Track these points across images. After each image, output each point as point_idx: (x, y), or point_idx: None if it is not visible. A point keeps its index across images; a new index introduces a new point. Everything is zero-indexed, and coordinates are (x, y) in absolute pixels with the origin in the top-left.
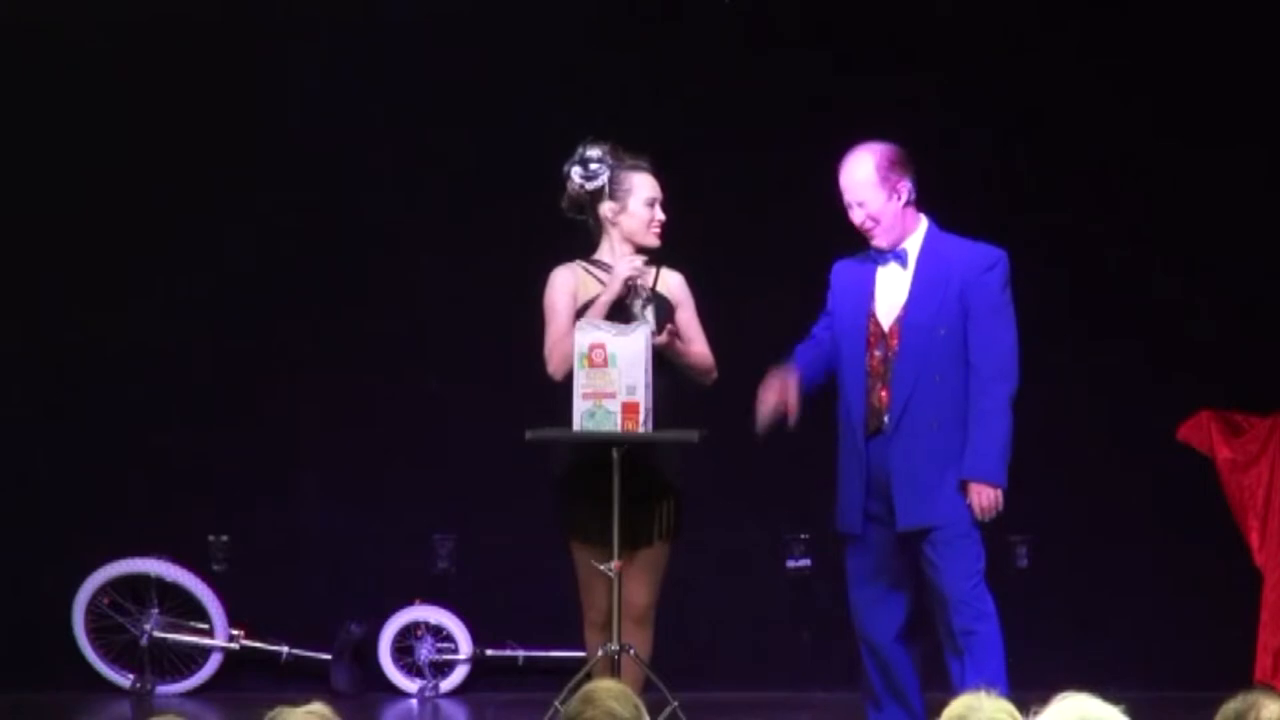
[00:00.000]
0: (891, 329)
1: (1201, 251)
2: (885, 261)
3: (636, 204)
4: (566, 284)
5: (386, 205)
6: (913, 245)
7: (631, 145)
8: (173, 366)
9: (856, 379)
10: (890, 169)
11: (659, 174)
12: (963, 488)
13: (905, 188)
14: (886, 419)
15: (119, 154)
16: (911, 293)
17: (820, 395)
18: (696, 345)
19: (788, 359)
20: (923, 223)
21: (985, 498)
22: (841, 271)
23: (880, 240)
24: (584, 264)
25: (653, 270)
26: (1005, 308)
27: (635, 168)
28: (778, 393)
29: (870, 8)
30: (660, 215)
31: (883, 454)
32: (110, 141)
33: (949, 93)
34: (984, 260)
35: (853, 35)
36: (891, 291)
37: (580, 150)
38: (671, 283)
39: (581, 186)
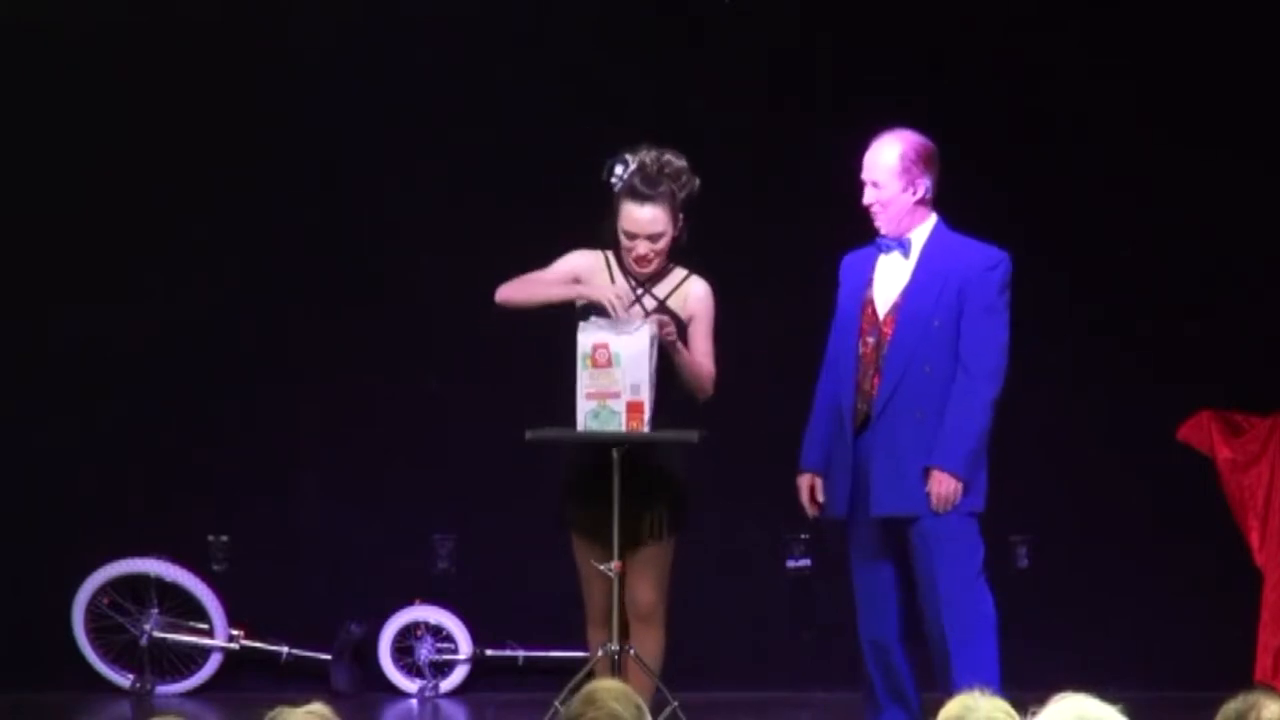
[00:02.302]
0: (886, 316)
1: (1201, 251)
2: (888, 250)
3: (619, 230)
4: (580, 260)
5: (386, 205)
6: (918, 237)
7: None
8: (173, 366)
9: (848, 365)
10: (914, 162)
11: (681, 207)
12: (925, 473)
13: (923, 184)
14: (874, 405)
15: (119, 154)
16: (910, 282)
17: None
18: (698, 355)
19: (804, 456)
20: (931, 218)
21: (944, 486)
22: (846, 263)
23: (882, 226)
24: (608, 254)
25: (631, 299)
26: (1001, 310)
27: (636, 196)
28: (807, 497)
29: (871, 8)
30: (639, 250)
31: (868, 441)
32: (110, 141)
33: (949, 93)
34: (986, 260)
35: (853, 35)
36: (891, 280)
37: (609, 161)
38: (690, 294)
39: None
